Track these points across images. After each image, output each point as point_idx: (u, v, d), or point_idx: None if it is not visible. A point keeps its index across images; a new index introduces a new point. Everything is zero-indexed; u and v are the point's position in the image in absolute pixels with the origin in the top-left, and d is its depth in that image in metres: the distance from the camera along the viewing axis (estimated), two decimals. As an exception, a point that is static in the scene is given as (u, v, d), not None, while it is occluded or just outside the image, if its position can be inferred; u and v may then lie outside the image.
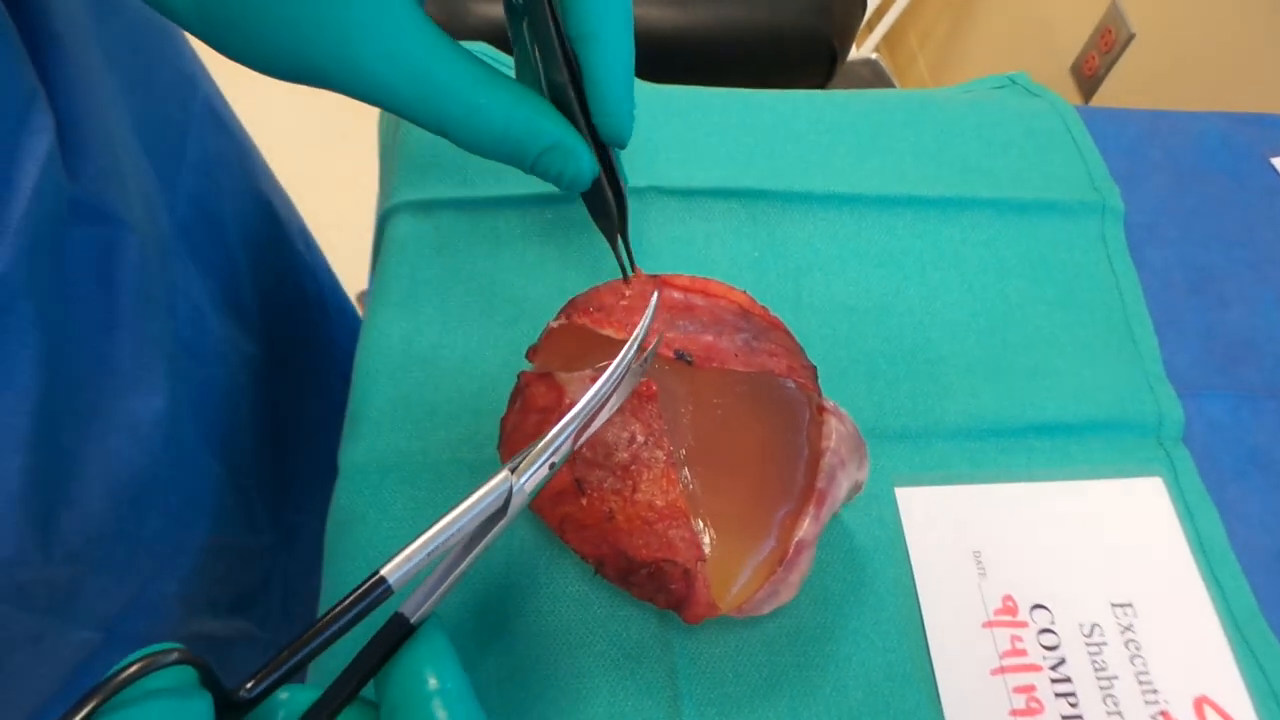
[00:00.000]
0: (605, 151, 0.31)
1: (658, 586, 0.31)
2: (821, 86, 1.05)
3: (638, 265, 0.36)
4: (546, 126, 0.28)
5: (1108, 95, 1.20)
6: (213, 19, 0.25)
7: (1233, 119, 0.56)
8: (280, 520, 0.50)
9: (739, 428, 0.32)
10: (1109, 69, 1.19)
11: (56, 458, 0.31)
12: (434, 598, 0.23)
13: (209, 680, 0.19)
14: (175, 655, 0.18)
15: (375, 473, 0.38)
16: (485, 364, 0.41)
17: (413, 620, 0.23)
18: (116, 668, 0.18)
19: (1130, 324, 0.46)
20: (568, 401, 0.31)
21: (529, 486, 0.25)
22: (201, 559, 0.41)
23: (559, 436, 0.26)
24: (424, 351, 0.41)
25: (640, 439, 0.30)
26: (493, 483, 0.24)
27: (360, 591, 0.21)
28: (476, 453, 0.38)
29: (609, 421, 0.30)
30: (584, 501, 0.31)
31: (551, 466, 0.26)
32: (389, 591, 0.22)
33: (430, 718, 0.21)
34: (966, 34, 1.60)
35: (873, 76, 1.46)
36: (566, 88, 0.28)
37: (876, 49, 1.59)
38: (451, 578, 0.24)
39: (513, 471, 0.24)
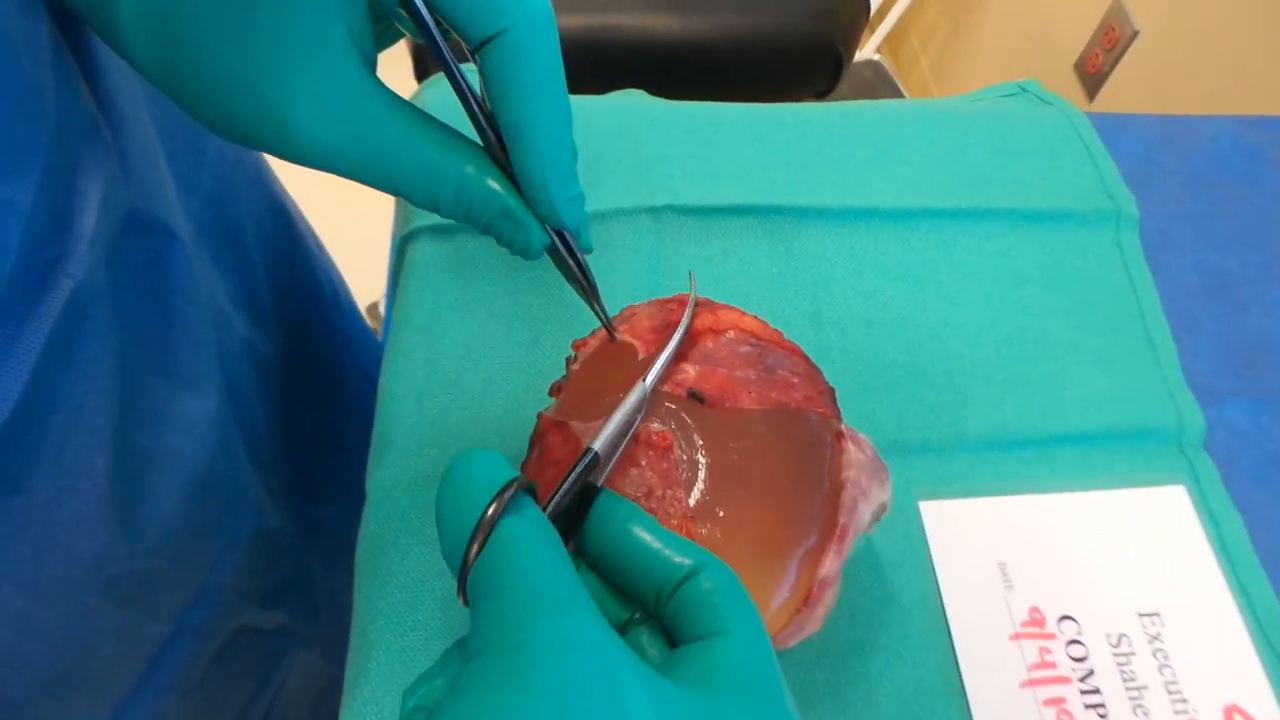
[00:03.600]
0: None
1: None
2: (827, 91, 1.05)
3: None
4: (497, 193, 0.28)
5: (1112, 93, 1.20)
6: (170, 77, 0.25)
7: (1244, 122, 0.56)
8: (300, 514, 0.51)
9: (756, 471, 0.31)
10: (1113, 66, 1.19)
11: (134, 456, 0.32)
12: (612, 461, 0.29)
13: (532, 492, 0.24)
14: (515, 485, 0.23)
15: (404, 497, 0.38)
16: (509, 385, 0.41)
17: (598, 484, 0.27)
18: (482, 512, 0.22)
19: (1149, 331, 0.46)
20: None
21: (649, 381, 0.31)
22: (248, 551, 0.43)
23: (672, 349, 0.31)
24: (447, 375, 0.41)
25: (658, 492, 0.30)
26: (637, 392, 0.30)
27: (583, 467, 0.27)
28: (503, 476, 0.38)
29: (625, 475, 0.30)
30: None
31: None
32: (598, 459, 0.27)
33: (634, 540, 0.24)
34: (969, 33, 1.60)
35: (875, 78, 1.46)
36: (506, 164, 0.28)
37: (878, 50, 1.59)
38: (623, 442, 0.29)
39: (644, 381, 0.31)
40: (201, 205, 0.41)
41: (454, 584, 0.36)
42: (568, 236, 0.30)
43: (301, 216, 0.58)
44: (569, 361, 0.35)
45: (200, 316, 0.38)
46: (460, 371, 0.41)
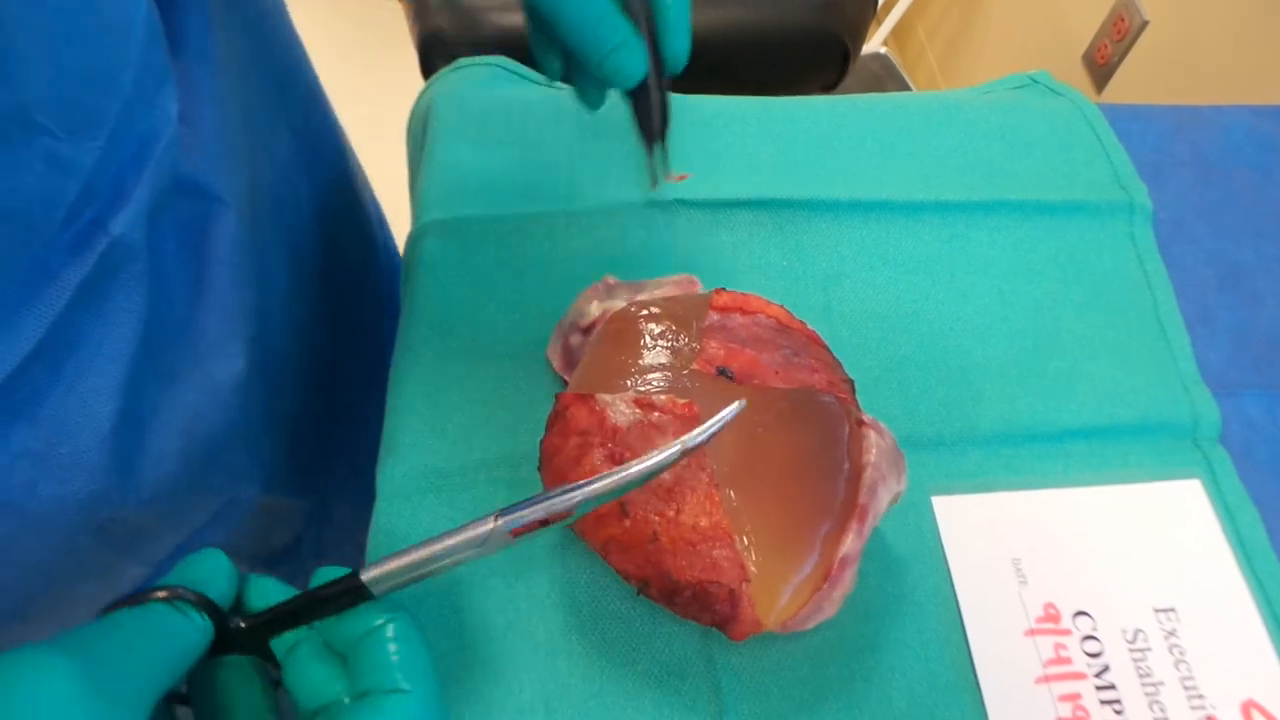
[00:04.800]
0: (659, 72, 0.37)
1: (702, 606, 0.31)
2: (834, 84, 1.04)
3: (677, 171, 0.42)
4: (625, 25, 0.34)
5: (1121, 84, 1.19)
6: None
7: (1258, 112, 0.56)
8: (317, 487, 0.52)
9: (780, 445, 0.32)
10: (1122, 58, 1.18)
11: (143, 409, 0.33)
12: (394, 582, 0.27)
13: (212, 610, 0.26)
14: (191, 595, 0.26)
15: (414, 494, 0.38)
16: (518, 381, 0.41)
17: (368, 584, 0.27)
18: (151, 587, 0.25)
19: (1162, 323, 0.45)
20: (609, 424, 0.31)
21: (510, 530, 0.27)
22: (249, 516, 0.44)
23: (561, 501, 0.27)
24: (457, 371, 0.41)
25: (683, 460, 0.30)
26: (475, 531, 0.27)
27: (340, 589, 0.27)
28: (513, 472, 0.38)
29: (652, 446, 0.30)
30: (627, 524, 0.31)
31: (543, 524, 0.27)
32: (368, 594, 0.27)
33: (386, 657, 0.26)
34: (976, 25, 1.59)
35: (883, 71, 1.45)
36: (639, 15, 0.35)
37: (885, 43, 1.59)
38: (415, 575, 0.27)
39: (498, 518, 0.27)
40: (275, 177, 0.43)
41: (465, 580, 0.36)
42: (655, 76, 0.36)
43: (368, 186, 0.59)
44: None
45: (241, 282, 0.39)
46: (470, 367, 0.41)
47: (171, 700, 0.27)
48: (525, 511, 0.26)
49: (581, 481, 0.26)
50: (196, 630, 0.25)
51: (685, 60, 0.37)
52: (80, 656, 0.21)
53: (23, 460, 0.29)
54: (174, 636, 0.25)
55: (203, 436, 0.37)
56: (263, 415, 0.42)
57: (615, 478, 0.26)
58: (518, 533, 0.27)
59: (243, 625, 0.27)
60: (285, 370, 0.45)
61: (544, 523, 0.26)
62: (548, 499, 0.26)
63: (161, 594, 0.25)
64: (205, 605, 0.26)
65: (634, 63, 0.35)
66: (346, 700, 0.27)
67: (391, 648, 0.27)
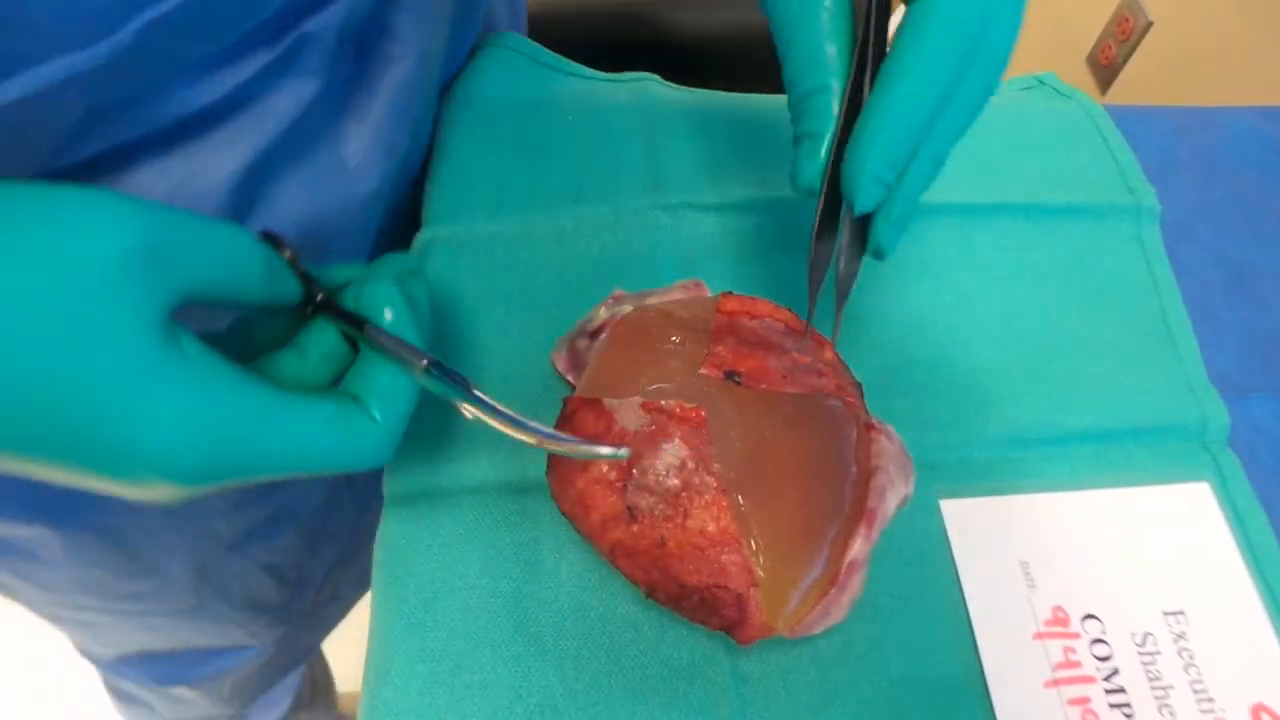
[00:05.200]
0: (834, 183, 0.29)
1: (711, 611, 0.31)
2: (838, 86, 1.04)
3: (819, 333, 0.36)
4: (831, 114, 0.30)
5: (1126, 85, 1.19)
6: None
7: (1263, 113, 0.56)
8: None
9: (788, 449, 0.32)
10: (1127, 58, 1.18)
11: (268, 179, 0.37)
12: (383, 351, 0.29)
13: (303, 275, 0.28)
14: (289, 254, 0.28)
15: (423, 500, 0.38)
16: (525, 386, 0.41)
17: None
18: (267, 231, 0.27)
19: (1169, 325, 0.45)
20: (617, 428, 0.31)
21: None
22: None
23: (503, 425, 0.29)
24: (464, 373, 0.41)
25: (690, 465, 0.31)
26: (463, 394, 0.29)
27: (421, 361, 0.28)
28: (521, 475, 0.38)
29: (658, 449, 0.30)
30: (635, 528, 0.31)
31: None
32: (427, 367, 0.28)
33: (379, 384, 0.28)
34: (979, 25, 1.59)
35: (886, 72, 1.45)
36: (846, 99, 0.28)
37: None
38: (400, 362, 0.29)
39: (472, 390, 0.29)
40: (441, 47, 0.47)
41: (473, 585, 0.36)
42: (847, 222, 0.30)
43: None
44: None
45: (398, 121, 0.42)
46: (477, 373, 0.41)
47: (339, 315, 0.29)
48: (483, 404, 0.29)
49: (526, 421, 0.29)
50: (280, 282, 0.27)
51: (863, 199, 0.28)
52: (155, 229, 0.22)
53: (164, 179, 0.34)
54: (256, 273, 0.25)
55: (317, 235, 0.40)
56: (369, 243, 0.45)
57: (541, 435, 0.29)
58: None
59: (318, 300, 0.30)
60: (388, 214, 0.47)
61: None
62: (487, 407, 0.29)
63: (276, 243, 0.27)
64: (299, 272, 0.28)
65: (805, 160, 0.30)
66: (337, 389, 0.29)
67: (387, 379, 0.28)
